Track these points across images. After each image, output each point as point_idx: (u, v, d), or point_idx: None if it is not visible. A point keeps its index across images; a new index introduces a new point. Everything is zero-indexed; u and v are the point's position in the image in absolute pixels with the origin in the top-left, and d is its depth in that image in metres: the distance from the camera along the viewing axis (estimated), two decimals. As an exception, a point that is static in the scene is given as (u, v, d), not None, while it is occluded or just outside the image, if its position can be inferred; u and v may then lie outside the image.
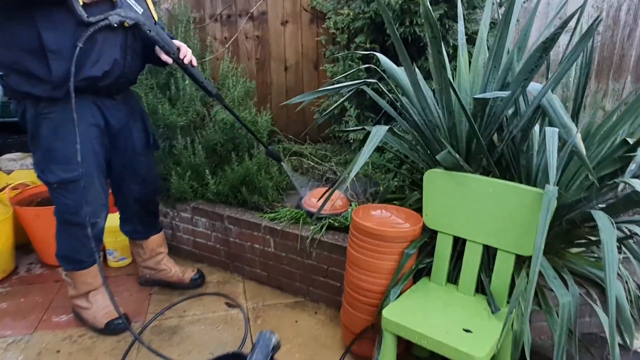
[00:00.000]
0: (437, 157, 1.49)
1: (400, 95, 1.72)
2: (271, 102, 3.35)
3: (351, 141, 2.74)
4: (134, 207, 2.06)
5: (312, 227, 2.07)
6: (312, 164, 2.86)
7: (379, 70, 1.76)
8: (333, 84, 1.89)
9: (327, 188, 2.40)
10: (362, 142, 2.39)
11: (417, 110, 1.64)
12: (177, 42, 1.80)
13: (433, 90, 1.61)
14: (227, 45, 3.17)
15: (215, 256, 2.41)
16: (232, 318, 2.00)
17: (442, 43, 1.55)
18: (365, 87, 1.85)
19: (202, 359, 1.75)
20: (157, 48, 1.77)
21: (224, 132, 2.45)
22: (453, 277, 1.69)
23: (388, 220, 1.70)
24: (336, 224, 2.08)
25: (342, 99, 1.93)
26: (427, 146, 1.70)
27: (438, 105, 1.55)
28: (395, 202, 2.09)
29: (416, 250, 1.59)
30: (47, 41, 1.51)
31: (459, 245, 1.64)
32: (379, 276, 1.61)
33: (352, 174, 1.36)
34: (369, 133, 2.23)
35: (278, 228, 2.11)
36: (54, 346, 1.82)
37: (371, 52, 1.80)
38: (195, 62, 1.86)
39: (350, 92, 1.94)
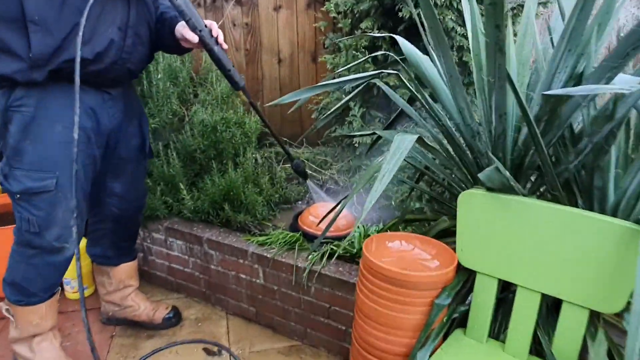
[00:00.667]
0: (480, 175, 1.09)
1: (424, 92, 1.31)
2: (263, 100, 2.93)
3: (356, 145, 2.34)
4: (108, 226, 1.68)
5: (309, 257, 1.66)
6: (310, 172, 2.45)
7: (397, 59, 1.36)
8: (334, 78, 1.49)
9: (328, 203, 2.01)
10: (370, 146, 1.99)
11: (449, 111, 1.24)
12: (206, 21, 1.43)
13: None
14: (211, 34, 2.75)
15: (194, 286, 2.01)
16: (210, 371, 1.61)
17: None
18: (378, 81, 1.45)
19: None
20: (178, 26, 1.42)
21: (204, 137, 2.04)
22: (494, 328, 1.29)
23: (411, 256, 1.30)
24: (340, 251, 1.68)
25: (347, 98, 1.52)
26: (461, 159, 1.29)
27: (481, 105, 1.15)
28: (415, 222, 1.69)
29: (451, 299, 1.19)
30: (28, 8, 1.21)
31: (501, 287, 1.24)
32: (400, 333, 1.21)
33: (370, 204, 0.96)
34: (379, 138, 1.84)
35: (268, 256, 1.71)
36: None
37: (387, 34, 1.39)
38: (225, 45, 1.47)
39: (360, 88, 1.53)
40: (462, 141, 1.27)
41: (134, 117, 1.58)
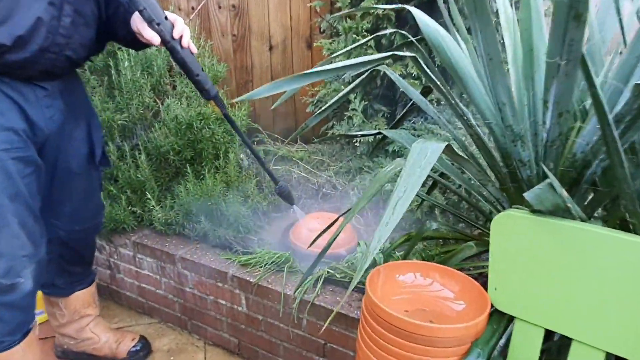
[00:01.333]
0: (528, 194, 0.79)
1: (443, 81, 1.01)
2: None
3: (357, 144, 2.04)
4: (55, 250, 1.35)
5: (302, 284, 1.37)
6: (304, 174, 2.15)
7: (410, 38, 1.05)
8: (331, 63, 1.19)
9: (324, 214, 1.72)
10: (374, 147, 1.69)
11: (481, 107, 0.94)
12: (169, 15, 1.11)
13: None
14: (191, 17, 2.43)
15: (167, 310, 1.72)
16: (180, 422, 1.32)
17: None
18: (384, 68, 1.15)
19: None
20: (133, 17, 1.10)
21: (178, 135, 1.74)
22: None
23: (428, 294, 1.01)
24: (337, 275, 1.39)
25: (347, 89, 1.22)
26: (493, 169, 1.00)
27: (527, 99, 0.85)
28: (430, 240, 1.40)
29: (484, 359, 0.90)
30: None
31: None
32: (414, 399, 0.92)
33: (379, 242, 0.67)
34: (384, 137, 1.53)
35: (251, 281, 1.42)
36: None
37: (399, 5, 1.08)
38: (194, 49, 1.16)
39: (363, 77, 1.23)
40: (498, 147, 0.97)
41: (81, 119, 1.27)
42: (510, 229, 0.92)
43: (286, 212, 1.91)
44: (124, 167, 1.70)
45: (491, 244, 0.95)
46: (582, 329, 0.86)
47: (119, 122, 1.78)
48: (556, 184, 0.77)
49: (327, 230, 1.28)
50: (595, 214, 0.99)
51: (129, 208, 1.68)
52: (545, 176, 0.79)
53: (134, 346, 1.56)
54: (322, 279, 1.37)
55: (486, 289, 0.98)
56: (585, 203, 0.98)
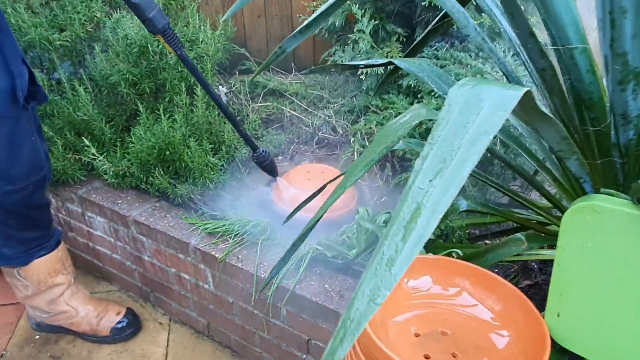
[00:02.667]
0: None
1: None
2: (242, 8, 2.17)
3: (362, 77, 1.63)
4: None
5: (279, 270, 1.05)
6: (298, 113, 1.77)
7: None
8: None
9: (317, 165, 1.38)
10: (383, 81, 1.30)
11: (563, 24, 0.54)
12: None
13: None
14: None
15: (126, 277, 1.44)
16: None
17: None
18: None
19: None
20: None
21: (130, 61, 1.34)
22: None
23: (454, 313, 0.68)
24: (327, 253, 1.06)
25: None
26: (571, 132, 0.62)
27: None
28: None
29: None
30: None
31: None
32: None
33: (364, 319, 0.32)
34: (396, 69, 1.12)
35: (217, 255, 1.10)
36: None
37: None
38: None
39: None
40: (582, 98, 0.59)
41: None
42: (594, 227, 0.56)
43: (276, 160, 1.55)
44: (63, 103, 1.34)
45: (559, 247, 0.60)
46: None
47: (59, 42, 1.39)
48: None
49: (315, 196, 0.94)
50: None
51: (72, 155, 1.34)
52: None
53: (118, 322, 1.29)
54: (306, 260, 1.04)
55: (540, 310, 0.64)
56: None
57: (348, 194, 1.29)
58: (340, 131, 1.68)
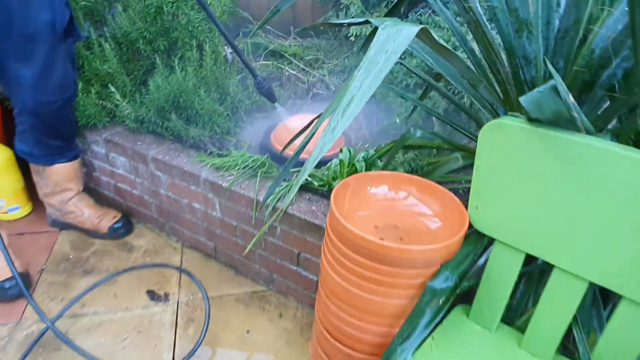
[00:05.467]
0: (523, 98, 0.64)
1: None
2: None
3: (352, 38, 1.82)
4: (27, 120, 1.36)
5: (277, 189, 1.27)
6: (295, 72, 1.96)
7: None
8: None
9: (310, 115, 1.57)
10: (365, 40, 1.49)
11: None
12: None
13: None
14: None
15: (144, 210, 1.66)
16: (151, 322, 1.31)
17: None
18: None
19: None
20: None
21: (147, 21, 1.54)
22: (510, 307, 0.94)
23: (403, 209, 0.90)
24: (315, 184, 1.28)
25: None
26: (492, 68, 0.82)
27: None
28: (417, 149, 1.27)
29: (452, 284, 0.81)
30: None
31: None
32: (376, 320, 0.85)
33: (334, 135, 0.54)
34: (376, 29, 1.32)
35: (224, 185, 1.32)
36: None
37: None
38: None
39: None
40: (499, 40, 0.79)
41: None
42: (501, 140, 0.77)
43: (271, 113, 1.76)
44: (90, 57, 1.54)
45: (477, 156, 0.81)
46: (568, 255, 0.75)
47: (82, 3, 1.58)
48: (561, 85, 0.61)
49: (307, 130, 1.15)
50: (609, 127, 0.84)
51: (100, 102, 1.55)
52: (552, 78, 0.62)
53: (115, 223, 1.60)
54: (297, 186, 1.26)
55: (467, 208, 0.86)
56: (598, 113, 0.82)
57: (338, 143, 1.50)
58: (333, 88, 1.88)
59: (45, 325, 1.26)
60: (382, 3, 1.88)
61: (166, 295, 1.40)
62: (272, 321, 1.33)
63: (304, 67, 1.99)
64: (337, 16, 1.92)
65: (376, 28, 1.04)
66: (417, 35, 0.57)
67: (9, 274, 1.34)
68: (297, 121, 1.55)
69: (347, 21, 1.13)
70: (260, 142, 1.55)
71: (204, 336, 1.25)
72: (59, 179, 1.51)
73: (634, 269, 0.69)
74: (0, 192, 1.64)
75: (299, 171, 1.31)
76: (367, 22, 1.03)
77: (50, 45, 1.25)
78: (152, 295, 1.40)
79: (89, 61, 1.53)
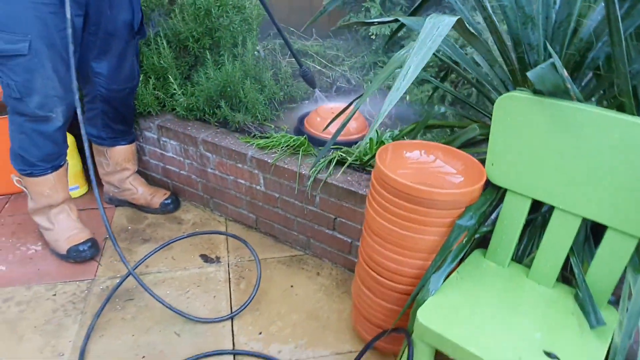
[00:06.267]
0: (530, 73, 0.86)
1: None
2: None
3: (373, 37, 2.05)
4: (99, 106, 1.60)
5: (316, 164, 1.49)
6: (319, 67, 2.19)
7: None
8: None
9: (337, 104, 1.79)
10: (389, 38, 1.72)
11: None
12: None
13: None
14: None
15: (191, 189, 1.88)
16: (207, 279, 1.52)
17: None
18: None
19: (163, 340, 1.29)
20: None
21: (197, 22, 1.76)
22: (518, 251, 1.16)
23: (431, 169, 1.12)
24: (348, 158, 1.50)
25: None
26: (502, 54, 1.05)
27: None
28: (437, 129, 1.49)
29: (475, 222, 1.03)
30: None
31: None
32: (413, 254, 1.07)
33: (389, 106, 0.75)
34: (399, 29, 1.55)
35: (269, 161, 1.54)
36: (-31, 315, 1.37)
37: None
38: None
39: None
40: (512, 29, 1.01)
41: None
42: (512, 109, 0.99)
43: (300, 103, 1.98)
44: (148, 54, 1.76)
45: (492, 123, 1.03)
46: (565, 197, 0.97)
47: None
48: (558, 63, 0.84)
49: (344, 111, 1.37)
50: (594, 99, 1.06)
51: (154, 92, 1.76)
52: (550, 59, 0.85)
53: (165, 199, 1.83)
54: (334, 161, 1.48)
55: (484, 166, 1.08)
56: (585, 86, 1.04)
57: (362, 123, 1.72)
58: (354, 82, 2.11)
59: (122, 274, 1.49)
60: (397, 7, 2.12)
61: (217, 258, 1.61)
62: (311, 278, 1.54)
63: (326, 64, 2.22)
64: (357, 17, 2.15)
65: (399, 28, 1.26)
66: (455, 25, 0.79)
67: (82, 239, 1.55)
68: (326, 109, 1.77)
69: (377, 20, 1.36)
70: (294, 126, 1.77)
71: (258, 287, 1.46)
72: (120, 159, 1.73)
73: (615, 203, 0.91)
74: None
75: (336, 149, 1.54)
76: (396, 20, 1.26)
77: (125, 41, 1.48)
78: (205, 258, 1.62)
79: (147, 56, 1.75)
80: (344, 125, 1.12)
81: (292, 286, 1.50)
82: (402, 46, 2.02)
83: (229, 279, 1.52)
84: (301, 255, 1.64)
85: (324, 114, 1.71)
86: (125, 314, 1.38)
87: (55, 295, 1.44)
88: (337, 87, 2.10)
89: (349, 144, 1.60)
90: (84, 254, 1.55)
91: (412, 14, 1.45)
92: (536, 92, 0.95)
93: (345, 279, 1.54)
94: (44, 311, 1.38)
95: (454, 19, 0.78)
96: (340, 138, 1.62)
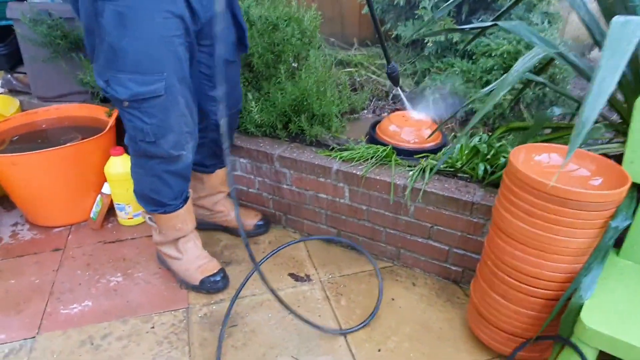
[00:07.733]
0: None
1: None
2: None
3: (428, 43, 2.05)
4: (210, 135, 1.53)
5: (410, 173, 1.48)
6: (370, 74, 2.18)
7: None
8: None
9: (408, 112, 1.78)
10: (473, 38, 1.71)
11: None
12: None
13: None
14: None
15: (261, 207, 1.84)
16: (305, 298, 1.48)
17: None
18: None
19: (281, 367, 1.25)
20: None
21: (262, 37, 1.73)
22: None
23: (565, 173, 1.12)
24: (441, 166, 1.49)
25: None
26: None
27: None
28: (517, 131, 1.50)
29: (630, 222, 1.03)
30: None
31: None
32: (557, 258, 1.06)
33: (579, 138, 0.74)
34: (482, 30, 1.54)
35: (358, 173, 1.52)
36: (70, 356, 1.30)
37: None
38: None
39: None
40: None
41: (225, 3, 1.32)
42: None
43: (362, 114, 1.97)
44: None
45: (632, 120, 1.04)
46: None
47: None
48: None
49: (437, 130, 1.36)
50: None
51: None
52: None
53: (258, 221, 1.77)
54: (429, 169, 1.47)
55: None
56: None
57: (435, 134, 1.72)
58: (407, 90, 2.11)
59: (217, 300, 1.43)
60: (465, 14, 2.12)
61: (307, 276, 1.58)
62: (408, 289, 1.52)
63: (375, 70, 2.22)
64: (405, 25, 2.15)
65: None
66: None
67: (215, 270, 1.51)
68: (400, 117, 1.75)
69: (469, 27, 1.36)
70: (366, 136, 1.75)
71: (380, 301, 1.44)
72: (217, 182, 1.67)
73: None
74: (127, 199, 1.79)
75: (424, 157, 1.53)
76: (495, 24, 1.26)
77: (236, 63, 1.45)
78: (295, 277, 1.58)
79: (212, 74, 1.71)
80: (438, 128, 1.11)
81: (393, 299, 1.48)
82: (456, 50, 2.03)
83: (327, 296, 1.49)
84: (391, 267, 1.62)
85: (398, 122, 1.70)
86: (234, 342, 1.33)
87: (153, 327, 1.38)
88: (394, 95, 2.09)
89: (424, 151, 1.59)
90: (218, 285, 1.49)
91: (497, 19, 1.46)
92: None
93: (442, 287, 1.53)
94: (149, 345, 1.32)
95: (645, 20, 0.79)
96: (415, 146, 1.61)
